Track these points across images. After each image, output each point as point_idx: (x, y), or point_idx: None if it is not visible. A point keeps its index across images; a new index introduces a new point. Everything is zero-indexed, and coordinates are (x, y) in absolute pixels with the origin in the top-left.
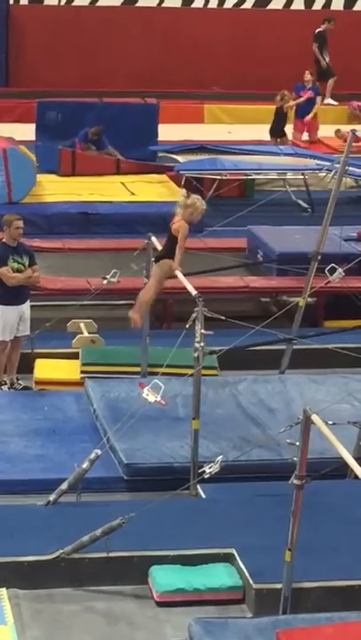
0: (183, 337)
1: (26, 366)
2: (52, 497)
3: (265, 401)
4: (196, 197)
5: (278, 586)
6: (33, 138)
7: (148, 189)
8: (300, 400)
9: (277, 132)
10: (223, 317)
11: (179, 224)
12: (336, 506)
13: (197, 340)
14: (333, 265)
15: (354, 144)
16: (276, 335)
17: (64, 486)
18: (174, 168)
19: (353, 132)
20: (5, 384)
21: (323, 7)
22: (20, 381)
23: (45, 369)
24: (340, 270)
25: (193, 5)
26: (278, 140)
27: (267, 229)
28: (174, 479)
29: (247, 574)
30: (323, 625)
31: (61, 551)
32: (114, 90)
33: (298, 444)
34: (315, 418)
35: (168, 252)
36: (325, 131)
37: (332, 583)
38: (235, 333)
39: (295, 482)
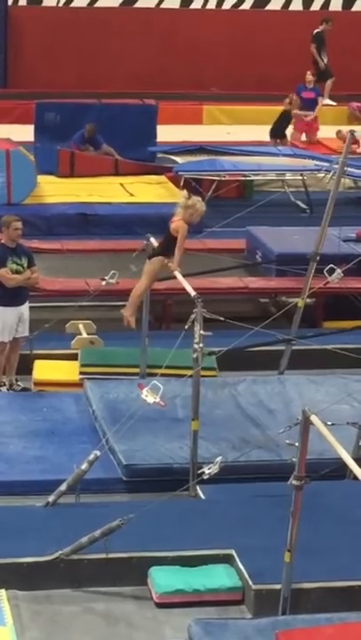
0: (182, 338)
1: (25, 367)
2: (51, 498)
3: (264, 402)
4: (196, 199)
5: (278, 586)
6: (31, 139)
7: (147, 190)
8: (300, 401)
9: (278, 133)
10: (222, 318)
11: (178, 224)
12: (335, 507)
13: (196, 340)
14: (332, 265)
15: (353, 146)
16: (275, 336)
17: (63, 487)
18: (173, 169)
19: (351, 132)
20: (4, 385)
21: (321, 8)
22: (18, 382)
23: (44, 370)
24: (338, 271)
25: (191, 6)
26: (278, 141)
27: (266, 230)
28: (173, 480)
29: (246, 575)
30: (322, 625)
31: (60, 552)
32: (112, 91)
33: (297, 444)
34: (314, 418)
35: (163, 250)
36: (325, 132)
37: (331, 584)
38: (234, 334)
39: (294, 482)
